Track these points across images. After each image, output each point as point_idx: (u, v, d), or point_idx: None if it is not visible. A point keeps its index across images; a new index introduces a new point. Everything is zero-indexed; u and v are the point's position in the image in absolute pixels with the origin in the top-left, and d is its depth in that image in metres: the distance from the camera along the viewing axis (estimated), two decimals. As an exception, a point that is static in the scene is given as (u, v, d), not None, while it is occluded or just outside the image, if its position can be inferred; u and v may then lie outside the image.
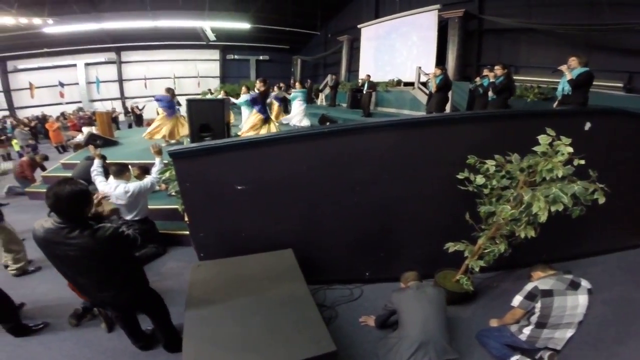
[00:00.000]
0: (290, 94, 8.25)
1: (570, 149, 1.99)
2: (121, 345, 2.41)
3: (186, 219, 2.80)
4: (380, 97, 10.58)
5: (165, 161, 3.41)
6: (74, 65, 17.63)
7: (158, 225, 3.78)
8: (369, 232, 2.92)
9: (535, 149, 2.10)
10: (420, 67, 9.38)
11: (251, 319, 1.86)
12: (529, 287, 2.09)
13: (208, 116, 3.50)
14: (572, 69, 4.08)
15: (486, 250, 2.47)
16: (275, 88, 9.27)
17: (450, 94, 7.05)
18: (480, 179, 2.34)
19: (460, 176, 2.43)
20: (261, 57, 20.34)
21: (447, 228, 2.75)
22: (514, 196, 2.25)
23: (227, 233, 2.76)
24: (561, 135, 2.05)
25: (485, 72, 6.11)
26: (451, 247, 2.57)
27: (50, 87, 17.44)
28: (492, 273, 3.04)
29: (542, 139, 2.07)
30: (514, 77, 6.32)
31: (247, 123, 6.28)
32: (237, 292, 2.08)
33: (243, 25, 15.15)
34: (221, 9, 14.53)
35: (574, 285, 2.01)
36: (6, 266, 3.33)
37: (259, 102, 6.00)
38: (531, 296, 2.04)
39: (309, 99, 12.45)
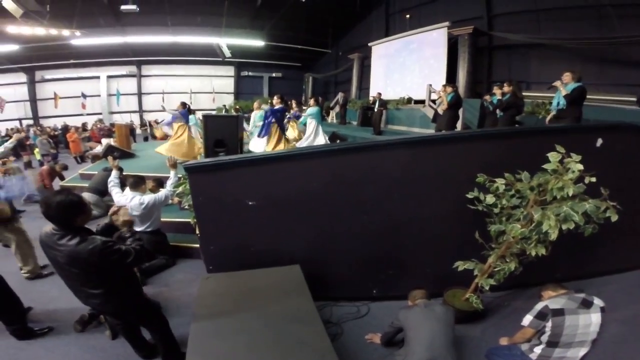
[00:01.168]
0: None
1: (581, 166, 1.96)
2: (124, 353, 2.42)
3: (197, 231, 2.85)
4: (390, 114, 10.64)
5: (180, 175, 3.50)
6: (97, 77, 18.47)
7: (169, 237, 3.85)
8: (378, 249, 2.91)
9: (545, 166, 2.09)
10: (430, 85, 9.44)
11: (256, 333, 1.85)
12: (539, 306, 2.04)
13: (223, 132, 3.60)
14: (566, 84, 4.16)
15: (496, 269, 2.43)
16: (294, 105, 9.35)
17: (461, 111, 7.05)
18: (490, 199, 2.33)
19: (470, 195, 2.42)
20: (274, 74, 20.89)
21: (457, 247, 2.72)
22: (523, 215, 2.22)
23: (237, 247, 2.79)
24: (571, 152, 2.03)
25: (495, 89, 6.13)
26: (460, 265, 2.53)
27: (73, 98, 18.26)
28: (502, 292, 2.97)
29: (552, 156, 2.05)
30: (525, 94, 6.29)
31: (268, 145, 6.23)
32: (244, 306, 2.10)
33: (257, 43, 15.70)
34: (237, 27, 15.14)
35: (586, 304, 1.96)
36: (21, 268, 3.42)
37: (278, 117, 6.05)
38: (542, 315, 2.00)
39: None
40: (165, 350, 2.25)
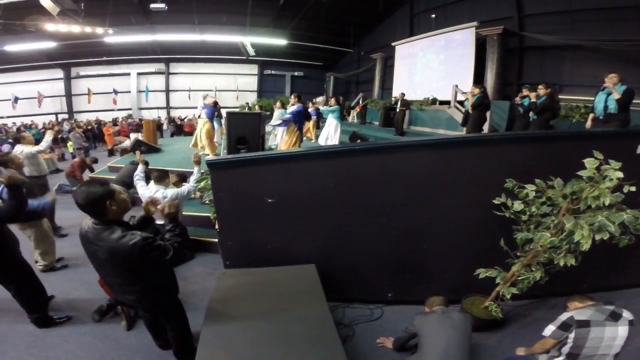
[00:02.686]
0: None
1: (620, 174, 1.83)
2: (136, 343, 2.50)
3: (217, 227, 2.90)
4: (414, 115, 10.45)
5: (202, 171, 3.57)
6: (128, 74, 19.29)
7: (189, 231, 3.84)
8: (397, 253, 2.85)
9: (580, 173, 1.96)
10: (457, 86, 9.20)
11: (268, 331, 1.86)
12: (563, 317, 1.94)
13: (245, 129, 3.64)
14: (615, 85, 3.89)
15: (520, 278, 2.33)
16: (310, 104, 9.38)
17: (488, 113, 6.83)
18: (518, 205, 2.21)
19: (496, 201, 2.31)
20: (296, 73, 21.04)
21: (479, 253, 2.62)
22: (554, 223, 2.10)
23: (254, 243, 2.82)
24: (610, 159, 1.90)
25: (526, 91, 5.86)
26: (482, 273, 2.44)
27: (105, 94, 19.16)
28: (524, 301, 2.85)
29: (589, 162, 1.93)
30: (559, 97, 6.00)
31: (284, 142, 6.34)
32: (257, 303, 2.11)
33: (280, 42, 15.84)
34: (261, 26, 15.34)
35: (615, 316, 1.85)
36: (36, 261, 3.50)
37: (297, 119, 6.11)
38: (565, 326, 1.90)
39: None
40: (178, 348, 2.26)
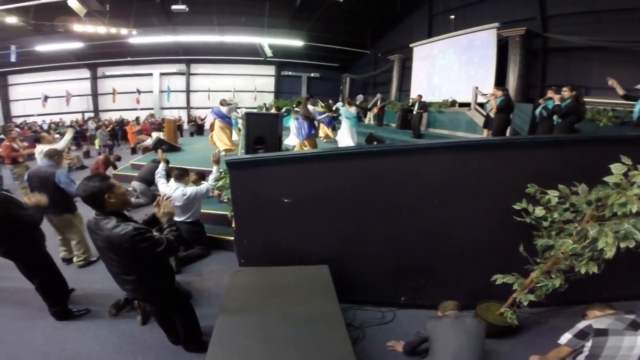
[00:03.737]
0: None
1: (650, 181, 1.76)
2: (150, 339, 2.56)
3: (233, 225, 2.96)
4: (432, 117, 10.27)
5: (221, 170, 3.65)
6: (151, 74, 19.85)
7: (206, 228, 4.02)
8: (412, 256, 2.83)
9: (606, 179, 1.90)
10: (477, 88, 9.00)
11: (278, 330, 1.89)
12: (581, 325, 1.88)
13: (263, 129, 3.68)
14: None
15: (538, 284, 2.27)
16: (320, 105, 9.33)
17: (511, 116, 6.67)
18: (539, 211, 2.16)
19: (517, 207, 2.27)
20: (312, 75, 21.09)
21: (496, 259, 2.58)
22: (577, 230, 2.04)
23: (269, 243, 2.85)
24: (638, 165, 1.84)
25: (550, 93, 5.66)
26: (499, 279, 2.40)
27: (129, 94, 19.77)
28: (541, 308, 2.77)
29: (616, 168, 1.87)
30: (585, 99, 5.78)
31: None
32: (270, 302, 2.14)
33: (297, 43, 15.92)
34: (278, 27, 15.46)
35: (635, 326, 1.78)
36: (64, 259, 3.65)
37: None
38: (582, 334, 1.84)
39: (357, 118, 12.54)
40: (186, 339, 2.32)
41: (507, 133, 6.52)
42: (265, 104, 15.32)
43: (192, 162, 6.08)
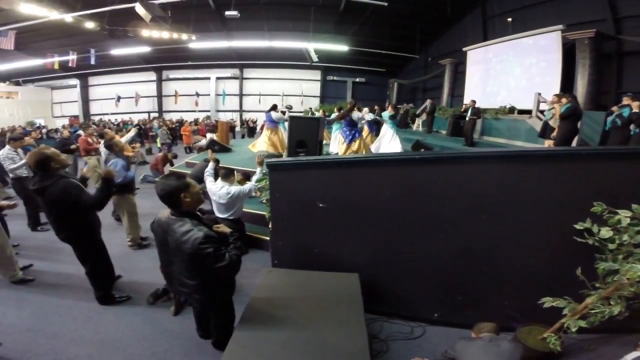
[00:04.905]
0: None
1: None
2: (179, 329, 2.67)
3: (270, 226, 3.06)
4: (487, 125, 9.74)
5: (264, 171, 3.81)
6: (208, 78, 21.42)
7: (246, 227, 4.23)
8: (450, 272, 2.70)
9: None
10: (540, 94, 8.38)
11: (298, 334, 1.88)
12: (630, 356, 1.67)
13: (305, 133, 3.77)
14: None
15: (593, 311, 2.05)
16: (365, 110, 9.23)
17: (579, 125, 6.07)
18: (606, 232, 1.98)
19: (579, 226, 2.09)
20: (357, 79, 21.10)
21: (545, 280, 2.41)
22: (650, 255, 1.83)
23: (302, 246, 2.90)
24: None
25: (626, 100, 5.08)
26: (548, 302, 2.20)
27: (189, 96, 21.49)
28: (589, 335, 2.47)
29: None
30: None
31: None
32: (295, 305, 2.15)
33: (342, 48, 16.03)
34: (323, 32, 15.67)
35: None
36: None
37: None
38: None
39: (404, 124, 12.24)
40: (219, 338, 2.34)
41: (574, 143, 5.96)
42: (311, 108, 15.64)
43: (239, 163, 6.40)
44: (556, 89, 8.86)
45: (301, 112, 16.99)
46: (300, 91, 21.41)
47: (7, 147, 4.70)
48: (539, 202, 2.41)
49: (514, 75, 10.92)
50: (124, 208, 4.03)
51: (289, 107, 9.63)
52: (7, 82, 19.94)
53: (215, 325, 2.30)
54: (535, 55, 10.00)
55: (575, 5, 9.35)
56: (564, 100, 5.49)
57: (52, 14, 10.55)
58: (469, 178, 2.50)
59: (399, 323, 2.83)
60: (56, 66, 15.33)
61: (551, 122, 5.89)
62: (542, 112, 8.06)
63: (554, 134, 5.76)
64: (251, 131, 16.48)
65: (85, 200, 2.62)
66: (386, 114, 7.21)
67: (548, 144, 6.19)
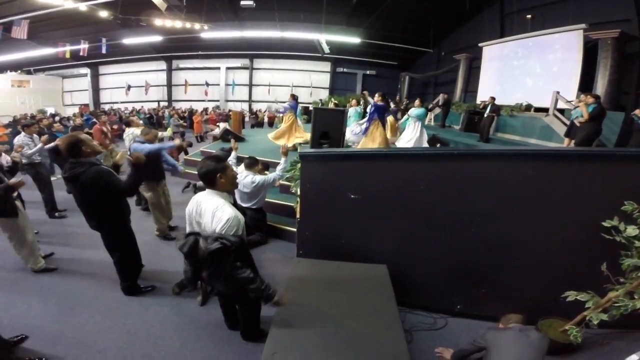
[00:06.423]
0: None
1: None
2: (206, 319, 2.68)
3: (297, 216, 3.08)
4: (502, 121, 9.64)
5: (290, 161, 3.81)
6: (218, 68, 21.38)
7: (268, 217, 4.24)
8: (477, 266, 2.75)
9: None
10: (558, 92, 8.26)
11: (335, 326, 1.89)
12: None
13: (329, 124, 3.75)
14: None
15: (616, 304, 2.12)
16: (392, 104, 9.13)
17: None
18: (632, 230, 2.04)
19: (606, 224, 2.14)
20: (368, 72, 20.92)
21: (569, 275, 2.46)
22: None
23: (330, 236, 2.93)
24: None
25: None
26: (572, 295, 2.27)
27: (198, 86, 21.50)
28: (606, 330, 2.55)
29: None
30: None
31: (371, 138, 6.12)
32: (328, 296, 2.16)
33: (354, 40, 15.83)
34: (335, 24, 15.53)
35: None
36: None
37: (380, 114, 6.00)
38: None
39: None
40: (246, 330, 2.42)
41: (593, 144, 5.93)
42: (321, 99, 15.56)
43: (254, 152, 6.33)
44: (574, 88, 8.78)
45: (310, 103, 16.94)
46: (309, 82, 21.32)
47: (22, 133, 4.75)
48: (570, 200, 2.46)
49: (531, 73, 10.77)
50: (148, 198, 4.05)
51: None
52: (19, 71, 20.05)
53: (242, 314, 2.35)
54: (554, 54, 9.84)
55: (599, 4, 9.13)
56: (589, 100, 5.43)
57: (67, 3, 10.54)
58: (503, 174, 2.54)
59: (421, 314, 2.89)
60: (67, 55, 15.33)
61: (577, 122, 5.84)
62: (560, 110, 7.98)
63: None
64: (259, 122, 16.47)
65: (116, 185, 2.59)
66: (419, 112, 6.76)
67: (567, 143, 6.15)
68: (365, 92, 8.70)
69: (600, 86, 8.50)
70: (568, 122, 6.65)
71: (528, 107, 9.65)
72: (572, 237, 2.49)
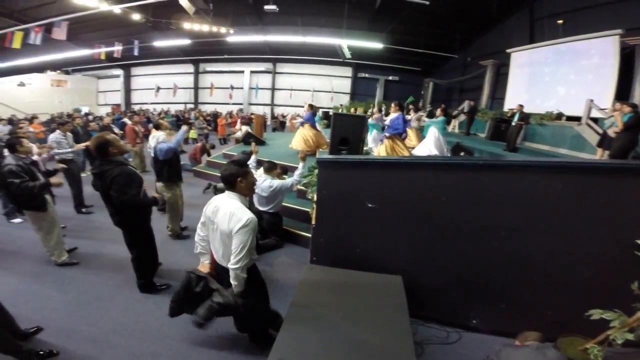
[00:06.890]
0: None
1: None
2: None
3: (313, 222, 3.07)
4: (531, 130, 9.24)
5: (308, 166, 3.83)
6: (242, 71, 21.90)
7: (284, 221, 4.27)
8: (497, 280, 2.66)
9: None
10: (592, 101, 7.87)
11: (345, 335, 1.87)
12: None
13: (348, 131, 3.73)
14: None
15: None
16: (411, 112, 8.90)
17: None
18: None
19: None
20: (390, 78, 20.71)
21: (594, 293, 2.35)
22: None
23: (345, 244, 2.89)
24: None
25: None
26: (597, 314, 2.16)
27: (223, 89, 22.11)
28: (630, 349, 2.38)
29: None
30: None
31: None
32: (340, 304, 2.14)
33: (376, 45, 15.75)
34: (357, 28, 15.49)
35: None
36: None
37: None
38: None
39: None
40: (251, 331, 2.45)
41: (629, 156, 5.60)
42: (341, 105, 15.58)
43: (274, 157, 6.45)
44: (611, 96, 8.31)
45: (331, 108, 16.99)
46: (330, 87, 21.41)
47: (57, 131, 5.03)
48: (601, 216, 2.35)
49: (563, 80, 10.29)
50: (167, 198, 4.09)
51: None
52: (58, 71, 21.36)
53: (242, 324, 2.40)
54: (589, 60, 9.38)
55: (636, 9, 8.67)
56: (625, 108, 5.15)
57: (102, 5, 11.16)
58: (531, 187, 2.45)
59: (435, 327, 2.81)
60: (103, 56, 16.18)
61: (609, 132, 5.55)
62: (593, 119, 7.60)
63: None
64: (282, 125, 16.70)
65: (126, 193, 2.61)
66: (438, 121, 6.62)
67: (600, 154, 5.84)
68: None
69: (638, 94, 8.03)
70: (601, 132, 6.32)
71: (559, 116, 9.23)
72: (601, 254, 2.38)
